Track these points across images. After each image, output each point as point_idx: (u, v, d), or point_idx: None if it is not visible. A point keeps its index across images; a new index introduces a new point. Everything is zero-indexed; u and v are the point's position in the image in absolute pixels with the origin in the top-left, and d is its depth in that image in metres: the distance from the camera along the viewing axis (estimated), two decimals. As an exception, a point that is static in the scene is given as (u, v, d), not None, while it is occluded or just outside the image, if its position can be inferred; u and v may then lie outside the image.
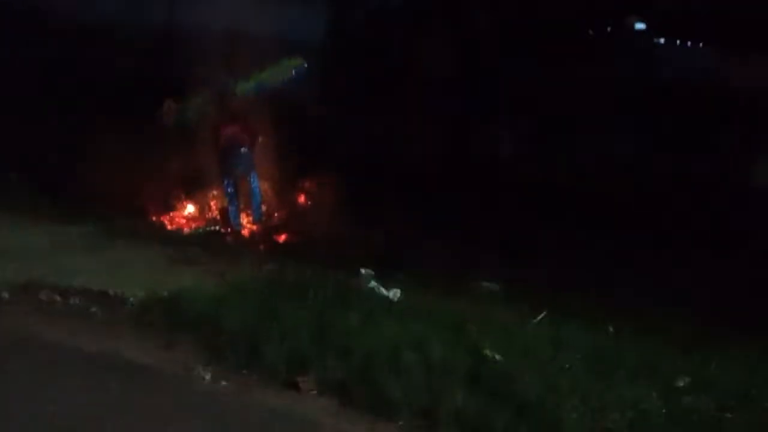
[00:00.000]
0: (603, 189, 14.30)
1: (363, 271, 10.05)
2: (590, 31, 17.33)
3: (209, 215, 13.03)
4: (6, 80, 14.23)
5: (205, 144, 12.76)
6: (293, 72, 13.61)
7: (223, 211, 12.79)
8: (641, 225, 13.02)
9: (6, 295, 8.38)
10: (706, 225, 13.30)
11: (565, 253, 11.94)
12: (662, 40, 17.25)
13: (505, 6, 16.18)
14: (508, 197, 13.68)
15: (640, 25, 17.06)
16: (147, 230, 11.77)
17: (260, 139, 12.90)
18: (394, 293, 9.47)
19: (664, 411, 7.09)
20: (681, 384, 7.71)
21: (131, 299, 8.52)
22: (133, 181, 12.40)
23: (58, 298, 8.42)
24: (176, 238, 11.70)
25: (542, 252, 12.07)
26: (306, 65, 13.65)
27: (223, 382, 7.09)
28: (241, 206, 12.79)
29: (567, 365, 7.75)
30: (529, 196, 13.78)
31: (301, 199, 13.68)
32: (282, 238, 12.61)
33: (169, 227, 12.53)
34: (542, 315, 9.21)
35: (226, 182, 12.77)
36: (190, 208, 13.04)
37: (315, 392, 7.02)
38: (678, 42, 17.20)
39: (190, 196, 13.11)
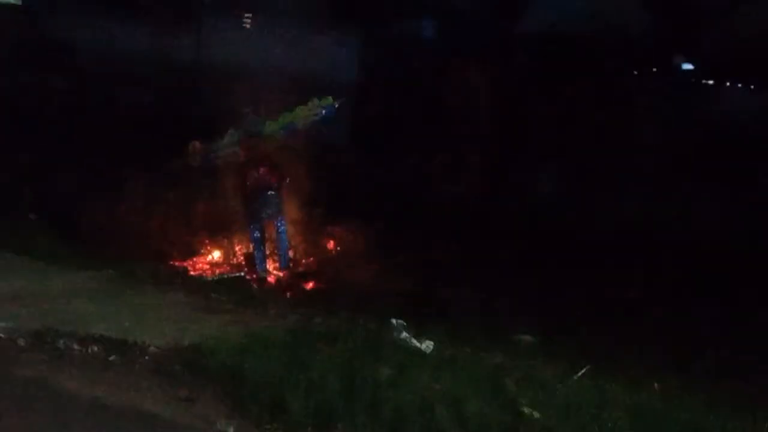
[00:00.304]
0: (647, 239, 14.16)
1: (394, 321, 9.95)
2: (634, 72, 17.34)
3: (234, 260, 13.18)
4: (28, 117, 14.43)
5: (231, 186, 12.90)
6: (323, 111, 13.69)
7: (249, 257, 12.84)
8: (690, 279, 12.85)
9: (22, 342, 8.38)
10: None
11: (607, 306, 11.82)
12: (711, 81, 17.20)
13: (545, 45, 16.25)
14: (545, 244, 13.62)
15: (686, 66, 17.02)
16: (169, 276, 11.76)
17: (288, 181, 12.99)
18: (427, 345, 9.36)
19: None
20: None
21: (152, 348, 8.50)
22: (156, 223, 12.54)
23: (76, 346, 8.41)
24: (199, 284, 11.71)
25: (582, 303, 11.98)
26: (337, 104, 13.73)
27: (247, 437, 7.01)
28: (268, 252, 12.83)
29: (610, 425, 7.61)
30: (567, 243, 13.69)
31: (330, 244, 13.76)
32: (309, 285, 12.69)
33: (192, 272, 12.61)
34: (584, 370, 9.07)
35: (252, 226, 12.88)
36: (214, 253, 13.19)
37: (343, 449, 6.94)
38: (728, 83, 17.13)
39: (215, 241, 13.27)
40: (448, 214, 14.19)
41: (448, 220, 14.00)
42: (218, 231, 13.23)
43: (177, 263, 12.72)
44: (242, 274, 12.76)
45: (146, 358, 8.35)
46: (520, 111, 16.10)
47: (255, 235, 12.81)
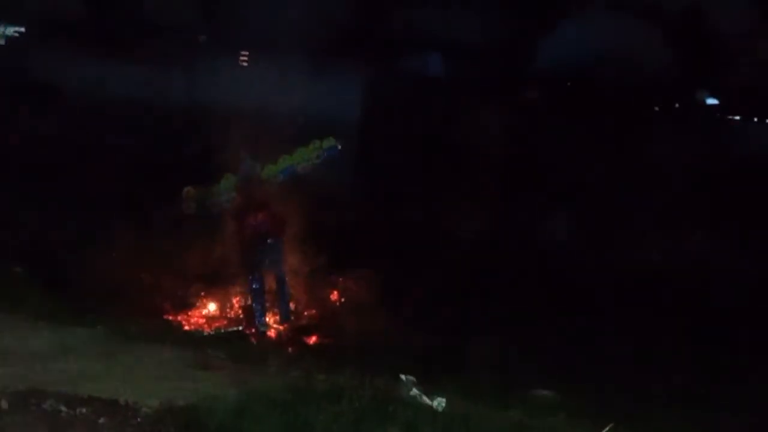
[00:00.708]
0: (670, 283, 14.09)
1: (403, 377, 9.87)
2: (655, 108, 17.36)
3: (232, 314, 13.16)
4: (12, 163, 14.47)
5: (228, 235, 12.92)
6: (326, 153, 13.74)
7: (247, 310, 12.82)
8: (724, 329, 12.75)
9: (5, 404, 8.31)
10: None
11: (633, 358, 11.74)
12: (737, 117, 17.19)
13: (562, 83, 16.31)
14: (564, 290, 13.57)
15: (711, 101, 17.03)
16: (162, 331, 11.70)
17: (288, 228, 12.98)
18: (439, 402, 9.27)
19: None
20: None
21: (144, 409, 8.42)
22: (148, 275, 12.54)
23: (63, 408, 8.33)
24: (194, 340, 11.67)
25: (605, 354, 11.95)
26: (340, 145, 13.78)
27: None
28: (267, 304, 12.81)
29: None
30: (588, 290, 13.64)
31: (334, 295, 13.75)
32: (312, 339, 12.68)
33: (186, 327, 12.61)
34: (608, 429, 8.98)
35: (250, 277, 12.84)
36: (210, 306, 13.19)
37: None
38: (755, 119, 17.13)
39: (211, 293, 13.27)
40: (459, 261, 14.13)
41: (459, 267, 13.91)
42: (215, 283, 13.24)
43: (171, 318, 12.74)
44: (240, 328, 12.75)
45: (138, 420, 8.26)
46: (536, 151, 16.11)
47: (254, 286, 12.79)
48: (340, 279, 13.87)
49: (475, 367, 11.12)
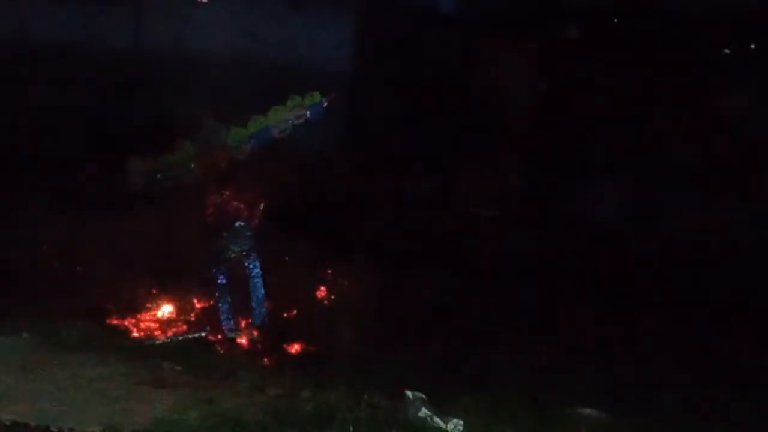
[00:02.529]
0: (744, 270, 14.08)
1: (409, 393, 9.94)
2: (725, 50, 17.36)
3: (192, 317, 13.20)
4: None
5: (186, 217, 12.94)
6: (308, 113, 13.72)
7: (212, 311, 12.91)
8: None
9: None
10: None
11: (702, 365, 11.94)
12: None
13: (604, 12, 16.26)
14: (609, 281, 13.72)
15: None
16: (105, 339, 11.76)
17: (263, 208, 13.04)
18: (455, 424, 9.41)
19: None
20: None
21: (83, 438, 8.52)
22: (86, 270, 12.56)
23: (-20, 437, 8.44)
24: (145, 350, 11.70)
25: (664, 364, 12.06)
26: (326, 102, 13.76)
27: None
28: (237, 304, 12.92)
29: None
30: (640, 279, 13.71)
31: (321, 292, 13.80)
32: (294, 347, 12.72)
33: (135, 334, 12.64)
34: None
35: (215, 270, 12.93)
36: (165, 308, 13.22)
37: None
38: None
39: (166, 291, 13.30)
40: (479, 247, 14.18)
41: (478, 255, 13.97)
42: (170, 277, 13.23)
43: (116, 322, 12.77)
44: (203, 334, 12.77)
45: (76, 451, 8.37)
46: (577, 107, 16.08)
47: (220, 281, 12.83)
48: (329, 271, 13.91)
49: (498, 380, 11.24)
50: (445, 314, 13.04)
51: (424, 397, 9.89)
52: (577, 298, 13.36)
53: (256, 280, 12.96)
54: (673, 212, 15.38)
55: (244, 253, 12.98)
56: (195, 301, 13.30)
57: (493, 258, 14.22)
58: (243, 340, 12.87)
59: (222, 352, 12.42)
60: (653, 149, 15.86)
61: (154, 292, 13.23)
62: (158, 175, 13.36)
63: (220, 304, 12.85)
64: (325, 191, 14.45)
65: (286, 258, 13.74)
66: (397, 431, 9.07)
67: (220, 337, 12.76)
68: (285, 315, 13.35)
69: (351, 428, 8.86)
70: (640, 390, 11.28)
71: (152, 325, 12.90)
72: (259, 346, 12.81)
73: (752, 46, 17.26)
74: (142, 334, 12.74)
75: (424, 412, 9.60)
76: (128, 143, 13.68)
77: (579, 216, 15.73)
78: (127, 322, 12.88)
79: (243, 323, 13.04)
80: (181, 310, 13.20)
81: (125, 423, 8.76)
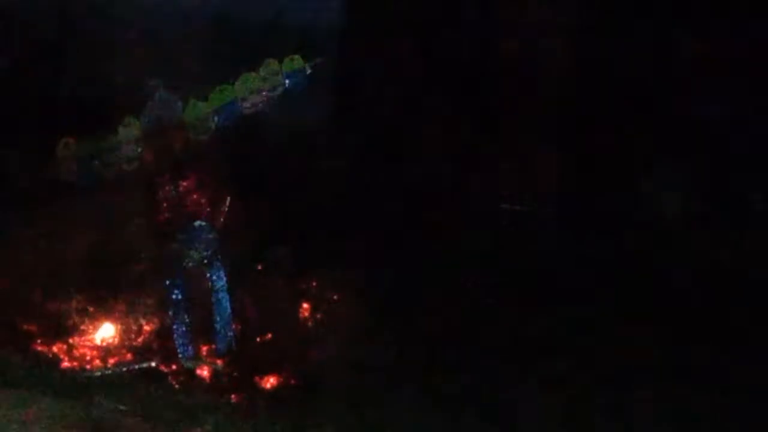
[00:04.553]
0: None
1: None
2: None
3: (138, 342, 13.05)
4: None
5: (131, 215, 12.93)
6: (287, 82, 13.56)
7: (165, 335, 12.83)
8: None
9: None
10: None
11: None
12: None
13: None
14: (673, 292, 13.71)
15: None
16: (27, 371, 11.61)
17: (229, 202, 12.87)
18: None
19: None
20: None
21: None
22: (3, 282, 12.51)
23: None
24: (79, 385, 11.56)
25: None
26: (310, 68, 13.60)
27: None
28: (197, 325, 12.79)
29: None
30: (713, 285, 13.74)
31: (304, 309, 13.63)
32: (269, 380, 12.57)
33: (67, 364, 12.52)
34: None
35: (168, 283, 12.76)
36: (103, 331, 13.06)
37: None
38: None
39: (105, 310, 13.14)
40: (499, 249, 14.09)
41: (499, 260, 13.94)
42: (110, 292, 13.13)
43: (41, 349, 12.63)
44: (153, 364, 12.63)
45: None
46: (622, 78, 15.83)
47: (174, 296, 12.67)
48: (312, 283, 13.73)
49: (527, 416, 11.34)
50: (457, 334, 12.97)
51: None
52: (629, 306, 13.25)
53: (220, 294, 12.83)
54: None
55: (205, 260, 12.81)
56: (142, 321, 13.19)
57: (515, 260, 14.18)
58: (204, 372, 12.70)
59: (177, 387, 12.29)
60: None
61: (90, 310, 13.11)
62: (94, 162, 13.19)
63: (174, 326, 12.72)
64: (306, 181, 14.22)
65: (259, 267, 13.67)
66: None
67: (174, 367, 12.64)
68: (258, 340, 13.13)
69: None
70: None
71: (87, 352, 12.82)
72: (225, 380, 12.64)
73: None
74: (74, 364, 12.61)
75: None
76: (53, 120, 13.52)
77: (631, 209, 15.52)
78: (56, 349, 12.75)
79: (204, 350, 12.90)
80: (124, 334, 13.11)
81: None
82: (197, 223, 12.76)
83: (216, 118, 13.25)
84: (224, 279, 12.83)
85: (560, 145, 15.30)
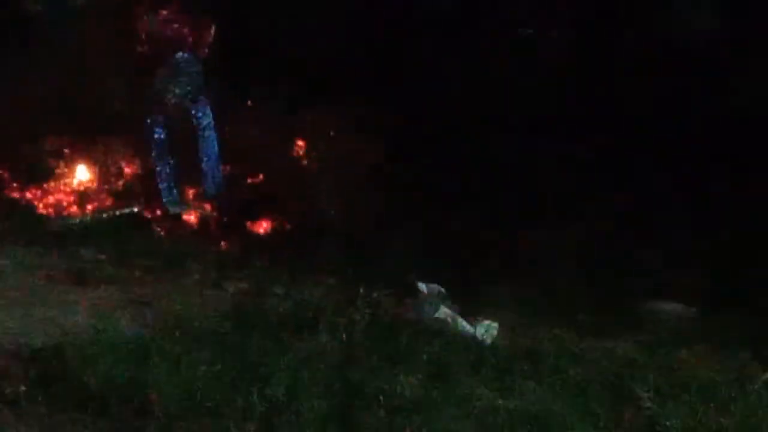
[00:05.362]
0: None
1: (423, 286, 9.83)
2: None
3: (118, 185, 13.03)
4: None
5: (105, 44, 12.78)
6: None
7: (147, 178, 12.81)
8: None
9: None
10: None
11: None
12: None
13: None
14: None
15: None
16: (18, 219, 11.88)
17: (212, 34, 12.74)
18: (487, 329, 9.25)
19: None
20: None
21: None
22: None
23: None
24: (56, 233, 11.65)
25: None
26: None
27: None
28: (182, 166, 12.77)
29: None
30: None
31: (298, 147, 13.51)
32: (262, 226, 12.64)
33: (41, 210, 12.56)
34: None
35: (149, 121, 12.66)
36: (79, 173, 13.02)
37: None
38: None
39: (80, 150, 13.10)
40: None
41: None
42: (87, 132, 13.02)
43: (14, 195, 12.75)
44: (135, 209, 12.60)
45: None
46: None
47: (156, 136, 12.61)
48: (308, 117, 13.48)
49: (544, 267, 11.34)
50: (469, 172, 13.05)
51: (443, 290, 9.85)
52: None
53: (207, 133, 12.75)
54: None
55: (189, 95, 12.69)
56: (122, 163, 13.08)
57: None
58: (191, 218, 12.72)
59: (162, 234, 12.29)
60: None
61: (66, 152, 13.00)
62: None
63: (157, 168, 12.62)
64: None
65: (249, 102, 13.49)
66: (407, 338, 8.76)
67: (158, 213, 12.62)
68: (249, 181, 13.11)
69: (343, 336, 8.61)
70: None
71: (63, 198, 12.73)
72: (214, 226, 12.66)
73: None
74: (49, 211, 12.60)
75: (443, 312, 9.44)
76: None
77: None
78: (29, 195, 12.79)
79: (190, 194, 12.86)
80: (103, 177, 13.01)
81: (32, 332, 8.55)
82: (180, 54, 12.67)
83: None
84: (210, 116, 12.75)
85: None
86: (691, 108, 13.30)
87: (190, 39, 12.69)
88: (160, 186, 12.59)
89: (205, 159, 12.73)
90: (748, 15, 13.93)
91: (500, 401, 7.77)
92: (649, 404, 8.02)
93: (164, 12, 12.65)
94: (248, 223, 12.53)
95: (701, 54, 13.72)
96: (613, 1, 14.40)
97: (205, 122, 12.66)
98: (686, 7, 14.37)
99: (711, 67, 13.61)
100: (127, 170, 13.05)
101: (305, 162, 13.40)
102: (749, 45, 13.66)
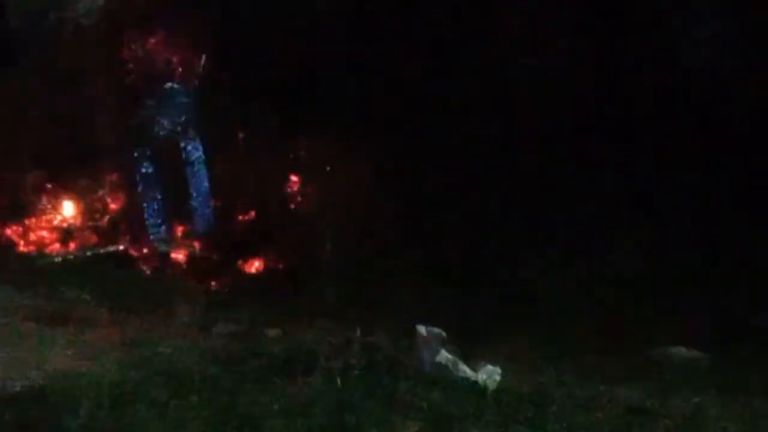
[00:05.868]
0: None
1: (422, 329, 9.74)
2: None
3: (103, 223, 13.05)
4: None
5: (95, 75, 12.75)
6: None
7: (133, 214, 12.75)
8: None
9: None
10: None
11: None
12: None
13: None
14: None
15: None
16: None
17: (203, 62, 12.74)
18: (489, 374, 9.19)
19: None
20: None
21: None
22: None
23: None
24: (39, 271, 11.70)
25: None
26: None
27: None
28: (171, 202, 12.79)
29: None
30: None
31: (291, 182, 13.51)
32: (254, 264, 12.69)
33: (22, 247, 12.66)
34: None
35: (137, 154, 12.63)
36: (63, 209, 13.06)
37: None
38: None
39: (65, 186, 13.15)
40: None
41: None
42: (73, 168, 13.11)
43: None
44: (120, 247, 12.67)
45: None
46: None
47: (143, 170, 12.61)
48: (300, 149, 13.64)
49: (549, 308, 11.39)
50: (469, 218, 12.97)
51: (443, 333, 9.65)
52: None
53: (197, 167, 12.72)
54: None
55: (179, 127, 12.67)
56: (108, 200, 13.06)
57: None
58: (179, 256, 12.69)
59: (149, 272, 12.35)
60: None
61: (49, 187, 12.96)
62: (49, 13, 13.12)
63: (145, 204, 12.58)
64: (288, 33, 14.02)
65: (241, 133, 13.50)
66: (406, 384, 8.72)
67: (145, 251, 12.57)
68: (241, 217, 13.07)
69: (338, 381, 8.59)
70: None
71: (46, 235, 12.71)
72: (204, 264, 12.65)
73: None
74: (31, 248, 12.70)
75: (444, 356, 9.37)
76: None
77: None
78: (10, 232, 12.86)
79: (179, 230, 12.80)
80: (87, 213, 12.99)
81: (11, 376, 8.53)
82: (168, 84, 12.68)
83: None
84: (200, 150, 12.77)
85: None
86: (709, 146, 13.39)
87: (180, 68, 12.70)
88: (148, 222, 12.62)
89: (194, 194, 12.76)
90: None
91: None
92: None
93: (152, 41, 12.67)
94: (239, 261, 12.55)
95: (717, 85, 13.82)
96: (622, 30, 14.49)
97: (194, 156, 12.69)
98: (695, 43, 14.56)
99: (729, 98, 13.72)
100: (112, 206, 13.08)
101: (299, 198, 13.43)
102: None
